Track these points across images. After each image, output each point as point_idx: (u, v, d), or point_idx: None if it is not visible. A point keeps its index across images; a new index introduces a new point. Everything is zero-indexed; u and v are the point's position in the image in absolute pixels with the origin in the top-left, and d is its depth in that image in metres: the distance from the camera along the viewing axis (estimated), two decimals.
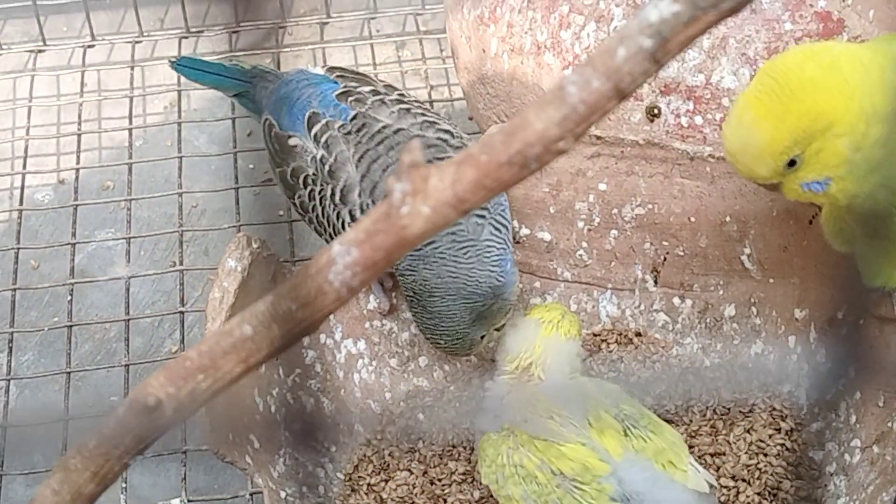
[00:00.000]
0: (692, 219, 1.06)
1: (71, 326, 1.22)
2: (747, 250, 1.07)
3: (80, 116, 1.41)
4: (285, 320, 0.67)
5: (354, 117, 1.04)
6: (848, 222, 0.93)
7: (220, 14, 1.49)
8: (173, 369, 0.69)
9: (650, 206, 1.07)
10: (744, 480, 1.02)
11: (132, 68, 1.45)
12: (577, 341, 1.01)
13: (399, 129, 1.03)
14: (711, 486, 0.94)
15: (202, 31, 1.48)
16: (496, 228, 1.01)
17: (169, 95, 1.43)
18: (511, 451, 0.95)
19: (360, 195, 1.01)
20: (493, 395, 1.01)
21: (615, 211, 1.08)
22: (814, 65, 0.85)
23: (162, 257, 1.31)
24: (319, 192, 1.03)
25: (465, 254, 0.99)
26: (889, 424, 0.96)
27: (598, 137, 1.05)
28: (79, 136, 1.39)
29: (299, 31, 1.49)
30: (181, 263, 1.27)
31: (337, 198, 1.02)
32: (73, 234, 1.29)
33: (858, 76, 0.84)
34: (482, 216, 1.00)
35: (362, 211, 1.00)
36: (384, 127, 1.03)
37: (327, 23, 1.48)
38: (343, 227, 1.01)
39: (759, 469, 1.02)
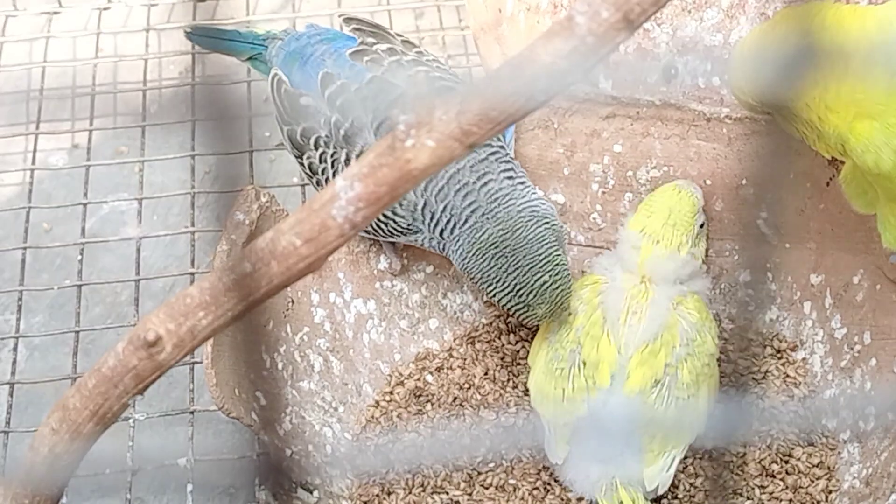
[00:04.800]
0: (708, 181, 1.05)
1: (81, 286, 1.21)
2: (764, 214, 1.05)
3: (94, 80, 1.40)
4: (286, 256, 0.66)
5: (371, 80, 1.02)
6: (871, 184, 0.92)
7: None
8: (174, 305, 0.68)
9: (665, 168, 1.06)
10: (752, 445, 1.01)
11: (147, 32, 1.44)
12: (684, 250, 1.01)
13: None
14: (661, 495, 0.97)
15: None
16: (515, 171, 1.01)
17: (184, 60, 1.42)
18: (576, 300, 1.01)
19: None
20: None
21: (630, 173, 1.07)
22: (790, 41, 0.85)
23: (175, 222, 1.30)
24: (332, 156, 1.02)
25: (508, 199, 0.99)
26: None
27: (614, 98, 1.04)
28: (92, 98, 1.38)
29: None
30: (193, 226, 1.26)
31: (352, 162, 1.00)
32: (86, 196, 1.28)
33: (857, 47, 0.84)
34: (509, 167, 1.00)
35: None
36: (402, 94, 1.01)
37: None
38: None
39: (771, 436, 1.01)
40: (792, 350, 1.06)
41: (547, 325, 1.02)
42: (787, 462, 1.00)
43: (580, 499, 1.00)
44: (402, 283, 1.10)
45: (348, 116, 1.01)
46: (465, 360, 1.09)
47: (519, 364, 1.09)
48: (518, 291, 0.98)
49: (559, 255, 0.98)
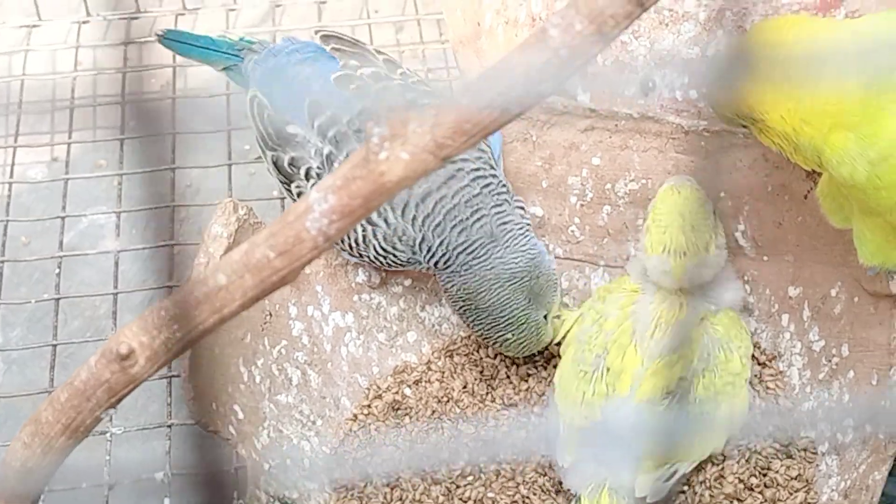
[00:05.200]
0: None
1: (59, 300, 1.21)
2: (741, 227, 1.06)
3: (73, 93, 1.40)
4: (260, 269, 0.66)
5: (361, 112, 1.01)
6: (846, 198, 0.92)
7: None
8: (147, 318, 0.68)
9: (644, 181, 1.06)
10: (731, 459, 1.00)
11: (126, 46, 1.44)
12: (712, 248, 1.00)
13: None
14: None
15: (199, 9, 1.46)
16: (516, 208, 1.02)
17: (165, 73, 1.42)
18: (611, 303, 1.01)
19: None
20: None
21: (608, 186, 1.07)
22: (766, 53, 0.86)
23: (154, 235, 1.30)
24: None
25: (493, 245, 1.00)
26: (882, 403, 0.95)
27: (592, 110, 1.04)
28: (71, 112, 1.38)
29: (297, 11, 1.48)
30: (172, 239, 1.26)
31: None
32: (64, 209, 1.28)
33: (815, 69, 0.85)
34: (503, 200, 1.01)
35: (379, 215, 1.00)
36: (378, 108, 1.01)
37: (325, 2, 1.47)
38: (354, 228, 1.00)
39: (749, 449, 1.01)
40: (770, 361, 1.06)
41: (580, 319, 1.03)
42: (765, 475, 1.00)
43: None
44: (380, 296, 1.10)
45: (343, 149, 1.01)
46: (443, 373, 1.09)
47: (497, 377, 1.08)
48: (486, 338, 1.04)
49: (525, 314, 1.02)
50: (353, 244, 1.02)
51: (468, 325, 1.04)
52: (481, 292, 1.01)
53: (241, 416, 0.98)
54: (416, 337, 1.10)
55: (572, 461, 0.97)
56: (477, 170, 1.00)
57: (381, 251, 1.02)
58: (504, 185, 1.02)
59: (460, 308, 1.03)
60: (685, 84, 1.03)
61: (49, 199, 1.33)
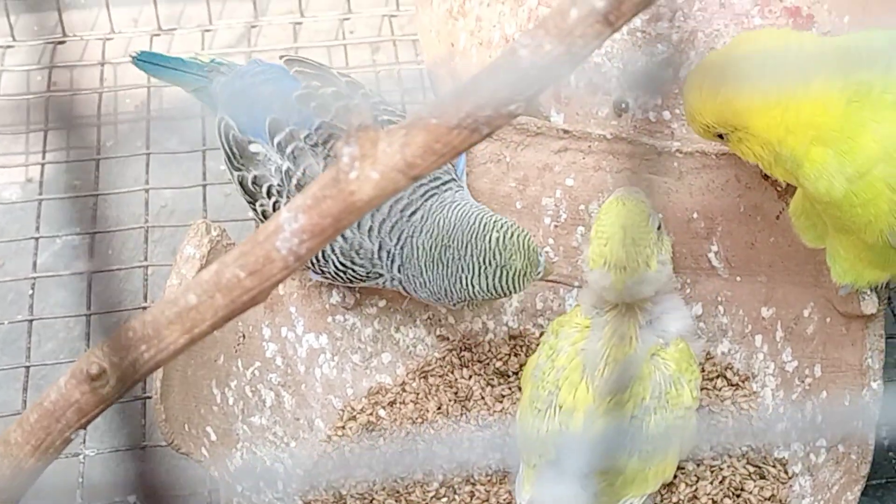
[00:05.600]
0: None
1: (32, 321, 1.20)
2: (714, 247, 1.06)
3: (47, 114, 1.39)
4: (231, 289, 0.65)
5: (319, 127, 1.02)
6: (820, 216, 0.93)
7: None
8: (116, 339, 0.67)
9: None
10: (704, 480, 1.01)
11: (103, 66, 1.44)
12: (653, 263, 0.97)
13: None
14: None
15: (175, 30, 1.46)
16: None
17: (139, 94, 1.42)
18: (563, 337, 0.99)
19: None
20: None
21: (582, 207, 1.07)
22: (752, 62, 0.86)
23: (129, 257, 1.29)
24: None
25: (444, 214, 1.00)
26: (855, 423, 0.95)
27: (566, 131, 1.04)
28: (45, 133, 1.38)
29: (273, 32, 1.48)
30: (146, 260, 1.25)
31: None
32: (38, 230, 1.27)
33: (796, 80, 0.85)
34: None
35: None
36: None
37: (301, 23, 1.47)
38: None
39: (722, 469, 1.01)
40: (743, 382, 1.07)
41: (536, 353, 1.02)
42: (738, 496, 1.00)
43: None
44: (354, 317, 1.10)
45: (300, 165, 1.01)
46: (417, 394, 1.09)
47: (472, 399, 1.08)
48: (486, 262, 0.98)
49: (493, 213, 0.99)
50: (314, 260, 1.02)
51: (467, 284, 0.99)
52: (446, 231, 0.98)
53: (213, 437, 0.97)
54: (391, 358, 1.10)
55: (529, 499, 0.96)
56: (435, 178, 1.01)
57: (339, 266, 1.01)
58: (461, 186, 1.02)
59: (443, 273, 0.99)
60: (658, 105, 1.03)
61: (23, 220, 1.32)
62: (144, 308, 1.20)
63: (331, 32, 1.48)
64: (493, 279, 0.98)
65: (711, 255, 1.06)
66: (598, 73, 1.03)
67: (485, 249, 0.98)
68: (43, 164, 1.35)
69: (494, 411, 1.07)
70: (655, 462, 0.96)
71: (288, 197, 1.01)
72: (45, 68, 1.44)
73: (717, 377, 1.07)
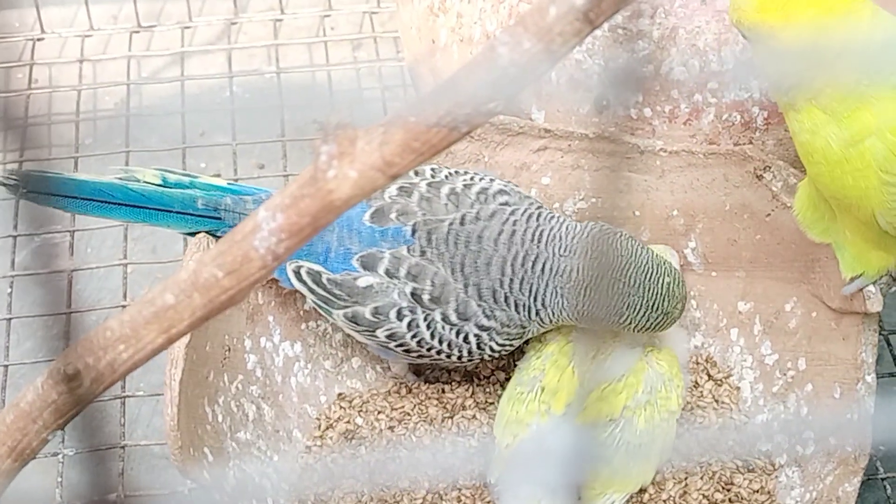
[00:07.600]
0: (636, 213, 1.05)
1: (10, 320, 1.20)
2: (692, 244, 1.06)
3: (27, 111, 1.39)
4: (208, 288, 0.65)
5: (415, 230, 0.99)
6: (826, 203, 0.93)
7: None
8: (93, 339, 0.67)
9: (593, 199, 1.06)
10: (694, 475, 1.01)
11: (82, 63, 1.43)
12: None
13: (464, 217, 0.99)
14: None
15: (154, 27, 1.46)
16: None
17: (119, 91, 1.41)
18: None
19: (477, 304, 0.99)
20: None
21: (556, 205, 1.07)
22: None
23: (109, 255, 1.29)
24: (425, 319, 0.99)
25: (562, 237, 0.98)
26: (848, 416, 0.95)
27: (547, 130, 1.04)
28: (24, 130, 1.37)
29: (253, 29, 1.47)
30: (125, 258, 1.25)
31: (453, 318, 0.98)
32: (16, 228, 1.26)
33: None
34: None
35: (487, 317, 0.98)
36: (450, 224, 0.99)
37: (282, 20, 1.47)
38: (467, 340, 0.99)
39: (710, 465, 1.02)
40: (726, 378, 1.07)
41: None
42: (729, 490, 1.00)
43: None
44: (326, 322, 1.08)
45: (425, 279, 0.98)
46: (388, 399, 1.08)
47: (448, 401, 1.08)
48: (653, 307, 0.98)
49: (648, 252, 0.98)
50: (467, 354, 1.01)
51: (625, 319, 0.97)
52: (595, 261, 0.94)
53: (210, 458, 0.94)
54: (361, 363, 1.09)
55: (504, 480, 0.97)
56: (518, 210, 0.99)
57: (496, 346, 1.00)
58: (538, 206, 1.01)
59: (597, 304, 0.96)
60: (639, 102, 1.03)
61: (2, 219, 1.31)
62: (124, 307, 1.19)
63: (311, 29, 1.47)
64: (654, 321, 0.98)
65: (688, 252, 1.07)
66: (578, 69, 1.03)
67: (656, 293, 0.97)
68: (20, 162, 1.34)
69: (478, 420, 1.06)
70: (640, 459, 0.96)
71: (426, 311, 0.99)
72: (25, 65, 1.43)
73: (701, 372, 1.08)
